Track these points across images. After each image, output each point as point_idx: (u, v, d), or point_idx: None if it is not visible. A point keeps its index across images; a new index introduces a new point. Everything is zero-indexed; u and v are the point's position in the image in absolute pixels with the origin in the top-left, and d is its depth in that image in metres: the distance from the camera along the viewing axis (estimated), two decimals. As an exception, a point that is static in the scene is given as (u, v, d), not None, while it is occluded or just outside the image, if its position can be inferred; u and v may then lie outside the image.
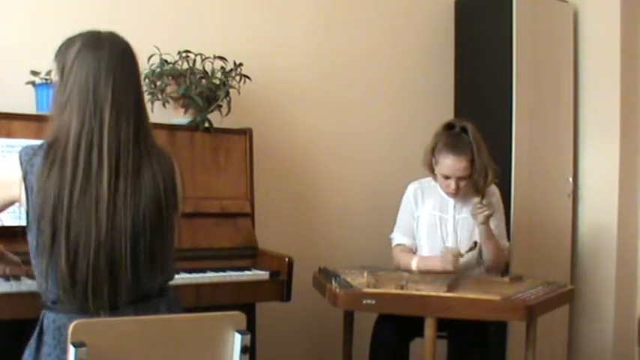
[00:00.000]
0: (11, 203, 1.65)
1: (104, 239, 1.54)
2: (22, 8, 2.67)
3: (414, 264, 2.71)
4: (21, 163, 1.57)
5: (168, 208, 1.66)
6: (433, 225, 2.77)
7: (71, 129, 1.57)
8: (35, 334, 1.63)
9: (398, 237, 2.85)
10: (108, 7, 2.82)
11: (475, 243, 2.65)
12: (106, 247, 1.55)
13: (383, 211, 3.09)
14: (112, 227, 1.55)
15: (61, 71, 1.64)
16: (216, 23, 3.07)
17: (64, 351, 1.49)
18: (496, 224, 2.79)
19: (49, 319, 1.61)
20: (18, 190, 1.58)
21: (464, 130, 2.68)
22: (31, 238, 1.59)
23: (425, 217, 2.79)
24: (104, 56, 1.61)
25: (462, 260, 2.63)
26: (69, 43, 1.67)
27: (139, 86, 1.70)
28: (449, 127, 2.73)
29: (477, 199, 2.65)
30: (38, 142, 2.25)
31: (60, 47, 1.71)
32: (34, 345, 1.62)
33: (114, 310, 1.59)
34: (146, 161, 1.63)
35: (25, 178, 1.56)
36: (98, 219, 1.54)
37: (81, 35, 1.66)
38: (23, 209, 1.59)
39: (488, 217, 2.64)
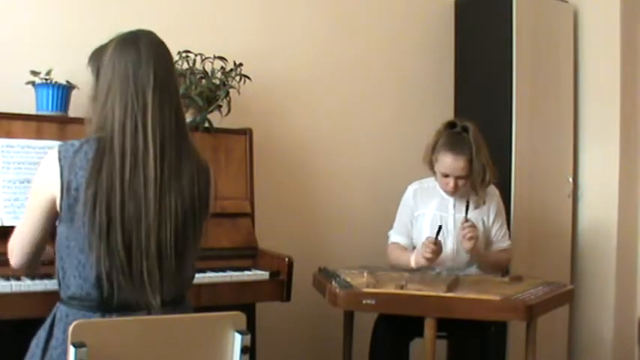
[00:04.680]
0: (54, 202, 1.62)
1: (152, 222, 1.56)
2: (23, 8, 2.67)
3: (412, 261, 2.71)
4: (59, 159, 1.58)
5: (200, 207, 1.67)
6: (435, 224, 2.77)
7: (115, 116, 1.57)
8: (47, 324, 1.64)
9: (393, 235, 2.88)
10: (108, 8, 2.82)
11: (439, 227, 2.64)
12: (154, 231, 1.57)
13: (383, 211, 3.09)
14: (160, 210, 1.57)
15: (97, 71, 1.65)
16: (216, 23, 3.07)
17: None
18: (499, 226, 2.81)
19: (62, 312, 1.62)
20: (55, 187, 1.58)
21: (465, 129, 2.69)
22: (66, 231, 1.59)
23: (428, 217, 2.79)
24: (142, 46, 1.62)
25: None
26: (102, 46, 1.70)
27: (175, 76, 1.71)
28: (450, 125, 2.75)
29: (461, 217, 2.65)
30: (38, 142, 2.26)
31: (93, 53, 1.75)
32: (44, 336, 1.63)
33: (164, 303, 1.61)
34: (185, 151, 1.65)
35: (62, 175, 1.56)
36: (147, 201, 1.56)
37: (114, 38, 1.67)
38: (57, 204, 1.59)
39: (474, 241, 2.60)
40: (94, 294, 1.58)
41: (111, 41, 1.67)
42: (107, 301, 1.59)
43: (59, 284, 1.64)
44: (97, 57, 1.70)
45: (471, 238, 2.59)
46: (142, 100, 1.58)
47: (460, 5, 3.72)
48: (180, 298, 1.71)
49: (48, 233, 1.68)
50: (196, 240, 1.70)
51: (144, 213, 1.55)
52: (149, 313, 1.62)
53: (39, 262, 1.76)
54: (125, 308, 1.60)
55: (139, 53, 1.61)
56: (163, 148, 1.59)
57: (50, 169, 1.59)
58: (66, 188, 1.56)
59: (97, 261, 1.54)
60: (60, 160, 1.58)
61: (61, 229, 1.61)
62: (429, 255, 2.60)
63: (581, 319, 3.78)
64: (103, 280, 1.56)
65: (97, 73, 1.66)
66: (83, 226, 1.54)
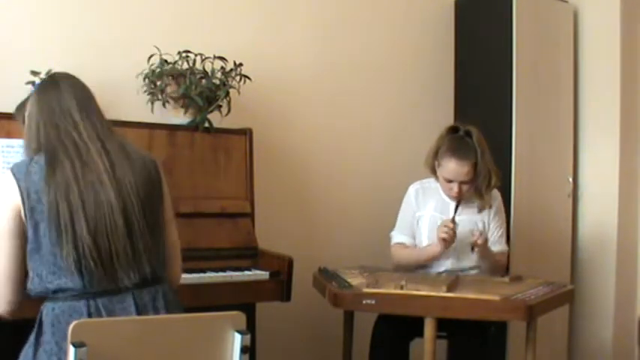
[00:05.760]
0: (19, 212, 1.68)
1: (115, 202, 1.65)
2: (22, 8, 2.67)
3: (428, 252, 2.70)
4: (14, 174, 1.66)
5: (157, 184, 1.79)
6: (434, 226, 2.76)
7: (51, 138, 1.70)
8: (35, 326, 1.65)
9: (397, 236, 2.85)
10: (108, 8, 2.82)
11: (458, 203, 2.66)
12: (120, 210, 1.65)
13: (383, 211, 3.09)
14: (120, 190, 1.67)
15: (23, 118, 1.81)
16: (216, 23, 3.07)
17: (64, 338, 1.50)
18: (497, 228, 2.81)
19: (48, 308, 1.64)
20: (16, 196, 1.65)
21: (468, 134, 2.67)
22: (34, 235, 1.64)
23: (426, 218, 2.79)
24: (61, 84, 1.79)
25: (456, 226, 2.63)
26: (24, 100, 1.90)
27: (95, 101, 1.82)
28: (453, 130, 2.73)
29: (472, 230, 2.65)
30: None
31: (17, 107, 2.01)
32: (34, 338, 1.64)
33: (143, 281, 1.67)
34: (125, 144, 1.78)
35: (19, 186, 1.64)
36: (104, 187, 1.65)
37: (35, 88, 1.86)
38: (22, 212, 1.65)
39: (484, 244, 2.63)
40: (77, 277, 1.61)
41: (32, 93, 1.83)
42: (87, 288, 1.62)
43: (39, 289, 1.65)
44: (21, 107, 1.89)
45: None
46: (70, 119, 1.72)
47: (460, 5, 3.72)
48: (160, 275, 1.75)
49: (23, 261, 1.68)
50: (162, 214, 1.80)
51: (104, 197, 1.64)
52: (134, 297, 1.65)
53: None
54: (106, 293, 1.63)
55: (59, 89, 1.76)
56: (104, 144, 1.72)
57: (7, 184, 1.67)
58: (26, 194, 1.64)
59: (67, 254, 1.60)
60: (14, 174, 1.67)
61: (29, 239, 1.65)
62: (444, 235, 2.56)
63: (581, 319, 3.78)
64: (78, 267, 1.61)
65: (23, 120, 1.81)
66: (49, 221, 1.61)
